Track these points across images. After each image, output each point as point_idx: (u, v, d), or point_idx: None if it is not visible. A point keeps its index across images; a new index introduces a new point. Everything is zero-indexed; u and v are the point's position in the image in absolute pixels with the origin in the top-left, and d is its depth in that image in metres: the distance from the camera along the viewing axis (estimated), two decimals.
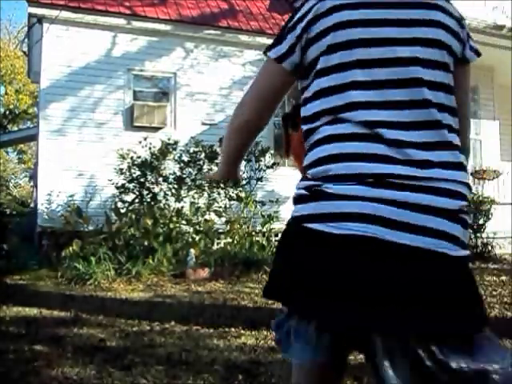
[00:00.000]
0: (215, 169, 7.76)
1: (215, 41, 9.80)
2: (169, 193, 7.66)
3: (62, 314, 4.43)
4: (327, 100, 1.18)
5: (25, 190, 27.57)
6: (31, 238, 8.80)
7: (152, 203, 7.45)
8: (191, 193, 7.67)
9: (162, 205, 7.46)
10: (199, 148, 7.90)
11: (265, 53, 1.30)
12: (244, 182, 7.99)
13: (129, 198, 7.68)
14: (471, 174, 9.33)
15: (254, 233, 7.10)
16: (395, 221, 1.05)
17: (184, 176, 7.75)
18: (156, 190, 7.67)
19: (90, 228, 7.42)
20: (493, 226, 8.19)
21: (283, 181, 8.25)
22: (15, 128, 23.73)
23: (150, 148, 7.81)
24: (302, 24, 1.21)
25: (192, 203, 7.51)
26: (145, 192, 7.66)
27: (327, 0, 1.20)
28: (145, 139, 7.87)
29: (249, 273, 6.47)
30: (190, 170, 7.82)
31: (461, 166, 1.15)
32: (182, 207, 7.47)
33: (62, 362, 2.97)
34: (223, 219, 7.53)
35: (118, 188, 7.70)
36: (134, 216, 7.00)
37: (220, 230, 7.58)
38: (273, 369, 2.81)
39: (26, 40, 11.55)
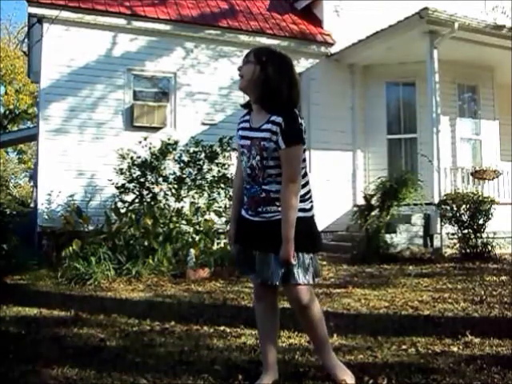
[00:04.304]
0: (215, 169, 7.77)
1: (215, 41, 9.80)
2: (169, 193, 7.66)
3: (61, 313, 4.42)
4: None
5: (25, 190, 27.57)
6: (31, 238, 8.79)
7: (152, 203, 7.46)
8: (191, 193, 7.67)
9: (161, 205, 7.46)
10: (199, 148, 7.89)
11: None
12: None
13: (129, 198, 7.68)
14: (471, 173, 9.33)
15: None
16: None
17: (184, 176, 7.75)
18: (156, 190, 7.67)
19: (90, 228, 7.42)
20: (493, 226, 8.18)
21: None
22: (15, 128, 23.76)
23: (150, 148, 7.81)
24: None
25: (192, 203, 7.51)
26: (145, 192, 7.66)
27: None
28: (145, 139, 7.87)
29: None
30: (190, 170, 7.82)
31: None
32: (182, 207, 7.47)
33: (62, 361, 2.97)
34: (223, 219, 7.53)
35: (118, 188, 7.69)
36: (133, 216, 7.01)
37: (220, 230, 7.58)
38: None
39: (26, 40, 11.58)
